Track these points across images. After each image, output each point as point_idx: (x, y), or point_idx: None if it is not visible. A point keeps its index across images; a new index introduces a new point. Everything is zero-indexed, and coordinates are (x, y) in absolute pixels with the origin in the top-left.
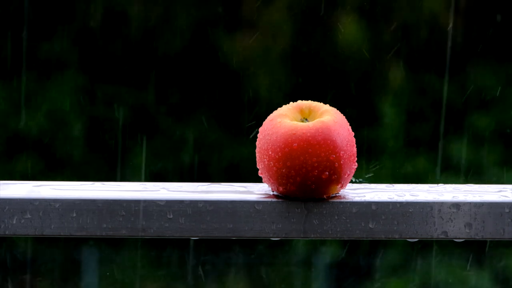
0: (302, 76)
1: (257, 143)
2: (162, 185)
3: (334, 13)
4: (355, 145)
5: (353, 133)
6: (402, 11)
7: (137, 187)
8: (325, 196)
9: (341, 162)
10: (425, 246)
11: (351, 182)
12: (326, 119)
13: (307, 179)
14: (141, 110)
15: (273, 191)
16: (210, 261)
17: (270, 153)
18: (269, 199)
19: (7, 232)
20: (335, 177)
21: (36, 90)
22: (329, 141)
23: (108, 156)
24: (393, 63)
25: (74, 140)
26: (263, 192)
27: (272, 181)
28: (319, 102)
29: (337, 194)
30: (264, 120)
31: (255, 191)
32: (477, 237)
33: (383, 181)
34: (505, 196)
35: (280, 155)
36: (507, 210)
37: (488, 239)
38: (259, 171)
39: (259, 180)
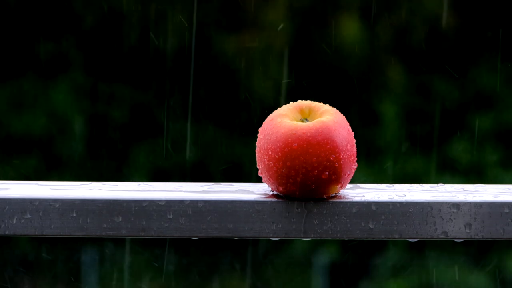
0: (302, 76)
1: (257, 143)
2: (162, 185)
3: (334, 13)
4: (355, 145)
5: (353, 133)
6: (402, 11)
7: (137, 187)
8: (325, 196)
9: (341, 162)
10: (425, 246)
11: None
12: (326, 119)
13: (307, 179)
14: (141, 109)
15: (273, 191)
16: (210, 261)
17: (270, 153)
18: (269, 199)
19: (7, 232)
20: (335, 177)
21: (36, 90)
22: (329, 141)
23: (108, 156)
24: (393, 63)
25: (74, 140)
26: (263, 192)
27: (272, 181)
28: (319, 102)
29: (337, 194)
30: (263, 120)
31: (255, 191)
32: (477, 237)
33: (383, 181)
34: (505, 196)
35: (280, 155)
36: (507, 210)
37: (488, 239)
38: (259, 171)
39: (259, 180)
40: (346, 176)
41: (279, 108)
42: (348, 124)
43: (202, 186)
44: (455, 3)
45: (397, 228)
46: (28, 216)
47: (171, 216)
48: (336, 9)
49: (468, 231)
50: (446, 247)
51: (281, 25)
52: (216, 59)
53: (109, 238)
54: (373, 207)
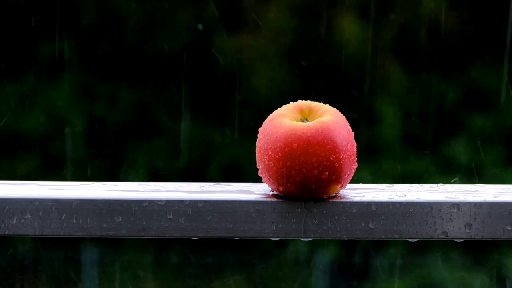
0: (302, 76)
1: (257, 143)
2: (162, 185)
3: (334, 12)
4: (355, 145)
5: (353, 133)
6: (402, 11)
7: (137, 187)
8: (325, 196)
9: (341, 162)
10: (425, 246)
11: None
12: (326, 119)
13: (307, 179)
14: (141, 109)
15: (273, 191)
16: (210, 261)
17: (270, 153)
18: (269, 199)
19: (7, 232)
20: (335, 177)
21: (36, 89)
22: (329, 141)
23: (108, 156)
24: (393, 63)
25: (74, 140)
26: (263, 192)
27: (272, 181)
28: (319, 102)
29: (337, 194)
30: (263, 120)
31: (255, 191)
32: (477, 237)
33: (383, 181)
34: (505, 196)
35: (280, 155)
36: (507, 210)
37: (488, 239)
38: (259, 171)
39: (259, 180)
40: (346, 176)
41: (279, 108)
42: (348, 124)
43: (202, 186)
44: (456, 3)
45: (397, 228)
46: (28, 216)
47: (171, 216)
48: (336, 8)
49: (468, 231)
50: (446, 247)
51: (282, 25)
52: (215, 59)
53: (108, 238)
54: (373, 207)
